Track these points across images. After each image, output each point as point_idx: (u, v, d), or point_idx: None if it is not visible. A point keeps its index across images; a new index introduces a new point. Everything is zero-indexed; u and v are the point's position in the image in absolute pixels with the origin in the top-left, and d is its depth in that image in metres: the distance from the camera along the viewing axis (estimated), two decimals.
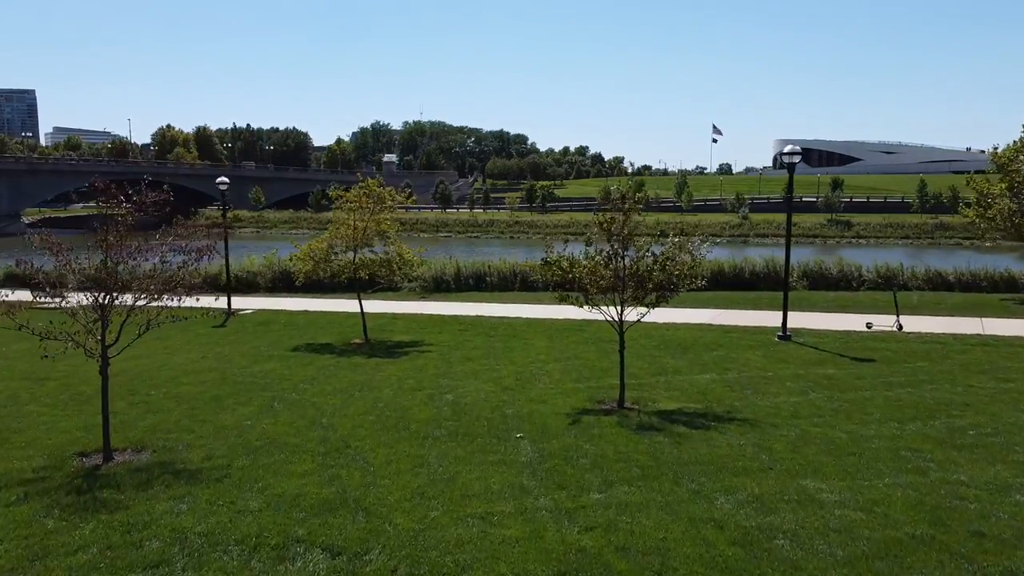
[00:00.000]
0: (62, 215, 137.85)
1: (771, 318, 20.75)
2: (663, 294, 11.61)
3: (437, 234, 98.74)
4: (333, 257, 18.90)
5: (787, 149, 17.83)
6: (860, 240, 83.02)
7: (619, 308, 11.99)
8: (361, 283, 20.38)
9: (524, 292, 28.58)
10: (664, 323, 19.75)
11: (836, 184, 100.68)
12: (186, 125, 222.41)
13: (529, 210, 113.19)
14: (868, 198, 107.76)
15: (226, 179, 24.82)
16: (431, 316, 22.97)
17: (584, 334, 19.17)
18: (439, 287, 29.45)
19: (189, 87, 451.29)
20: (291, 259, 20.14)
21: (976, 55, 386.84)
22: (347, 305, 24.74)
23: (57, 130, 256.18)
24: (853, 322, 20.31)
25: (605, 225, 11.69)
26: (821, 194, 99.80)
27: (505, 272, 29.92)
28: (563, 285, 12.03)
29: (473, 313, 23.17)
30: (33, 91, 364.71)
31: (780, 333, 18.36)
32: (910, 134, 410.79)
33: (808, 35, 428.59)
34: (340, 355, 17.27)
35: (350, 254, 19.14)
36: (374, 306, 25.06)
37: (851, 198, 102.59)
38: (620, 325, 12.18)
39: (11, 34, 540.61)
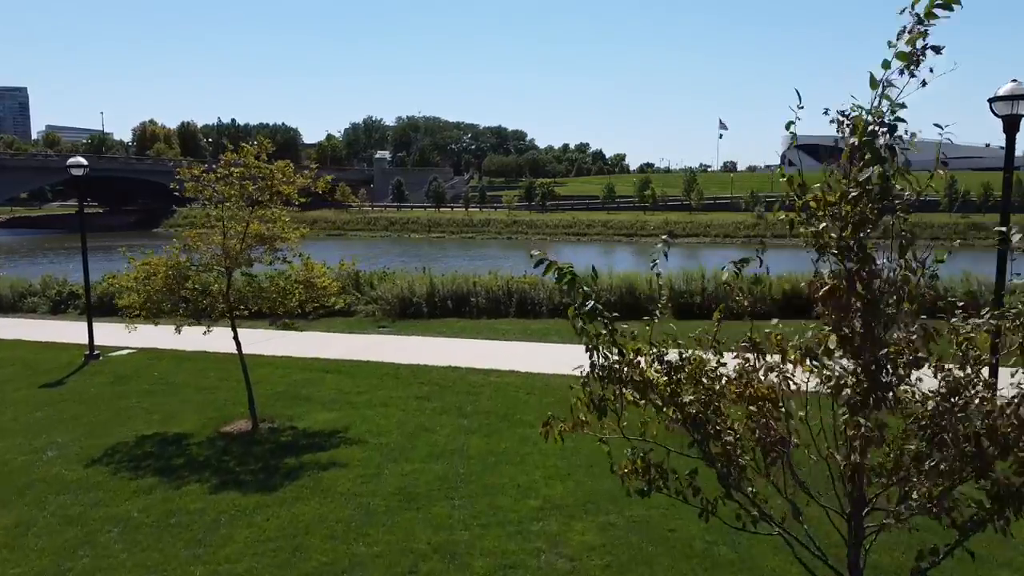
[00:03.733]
0: (34, 214, 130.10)
1: None
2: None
3: (429, 234, 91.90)
4: (187, 283, 10.75)
5: (1003, 90, 9.58)
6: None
7: (849, 515, 3.84)
8: (251, 316, 12.48)
9: (522, 319, 20.64)
10: None
11: None
12: (174, 121, 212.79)
13: (528, 209, 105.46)
14: None
15: (83, 160, 16.70)
16: (381, 366, 15.05)
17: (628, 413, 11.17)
18: (406, 311, 21.42)
19: (181, 83, 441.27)
20: (107, 282, 12.03)
21: (982, 52, 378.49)
22: (280, 344, 16.90)
23: (49, 128, 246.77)
24: None
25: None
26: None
27: (496, 291, 21.79)
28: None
29: (445, 362, 15.19)
30: (25, 89, 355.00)
31: None
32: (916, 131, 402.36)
33: (809, 32, 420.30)
34: (172, 478, 9.24)
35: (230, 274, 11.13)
36: (303, 344, 17.10)
37: None
38: None
39: (4, 32, 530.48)
